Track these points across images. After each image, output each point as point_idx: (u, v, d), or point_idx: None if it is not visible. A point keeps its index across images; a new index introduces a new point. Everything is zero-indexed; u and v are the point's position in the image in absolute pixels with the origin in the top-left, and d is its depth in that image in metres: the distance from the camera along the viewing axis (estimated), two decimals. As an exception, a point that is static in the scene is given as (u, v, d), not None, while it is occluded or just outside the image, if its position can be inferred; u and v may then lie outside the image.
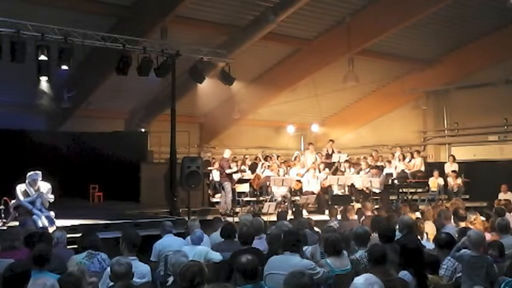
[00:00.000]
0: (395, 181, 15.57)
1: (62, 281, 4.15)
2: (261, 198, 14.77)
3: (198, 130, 19.98)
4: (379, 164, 16.27)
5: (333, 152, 16.59)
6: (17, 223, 9.13)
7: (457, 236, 6.61)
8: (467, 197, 15.08)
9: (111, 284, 4.81)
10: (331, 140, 17.32)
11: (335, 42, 15.51)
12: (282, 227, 7.08)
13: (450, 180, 15.61)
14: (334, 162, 16.10)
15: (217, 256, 6.57)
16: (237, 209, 13.93)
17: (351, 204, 12.92)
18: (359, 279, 3.50)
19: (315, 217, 12.82)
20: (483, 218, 8.96)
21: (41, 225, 8.89)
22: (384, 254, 4.92)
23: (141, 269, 5.46)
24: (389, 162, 16.42)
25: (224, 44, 14.71)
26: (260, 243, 6.81)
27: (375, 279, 3.50)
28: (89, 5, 12.83)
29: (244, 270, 4.42)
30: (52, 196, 9.48)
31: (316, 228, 8.72)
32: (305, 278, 3.87)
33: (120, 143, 15.99)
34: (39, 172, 9.38)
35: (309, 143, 17.67)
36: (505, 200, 11.90)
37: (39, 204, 9.22)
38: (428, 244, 6.74)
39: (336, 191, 14.87)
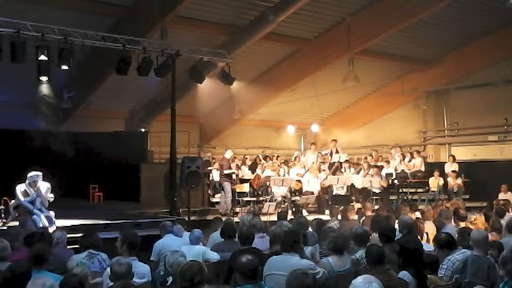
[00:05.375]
0: (395, 181, 15.57)
1: (64, 281, 4.14)
2: (261, 198, 14.77)
3: (198, 130, 19.96)
4: (379, 164, 16.28)
5: (336, 151, 16.58)
6: (17, 223, 9.13)
7: (457, 236, 6.61)
8: (467, 197, 15.06)
9: (111, 284, 4.82)
10: (334, 140, 17.24)
11: (335, 42, 15.52)
12: (282, 227, 7.07)
13: (450, 180, 15.60)
14: (334, 162, 16.10)
15: (214, 256, 6.58)
16: (237, 209, 13.95)
17: (351, 204, 12.92)
18: (358, 279, 3.53)
19: (315, 217, 12.83)
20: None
21: (41, 225, 8.90)
22: (382, 254, 4.93)
23: (141, 269, 5.47)
24: (388, 162, 16.43)
25: (224, 44, 14.71)
26: (262, 242, 6.81)
27: (373, 278, 3.53)
28: (89, 5, 12.84)
29: (244, 270, 4.41)
30: (52, 195, 9.47)
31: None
32: (308, 279, 3.86)
33: (120, 143, 15.98)
34: (40, 173, 9.36)
35: (311, 143, 17.65)
36: (504, 200, 11.88)
37: (38, 204, 9.22)
38: (427, 246, 6.73)
39: (336, 191, 14.87)
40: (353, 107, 20.97)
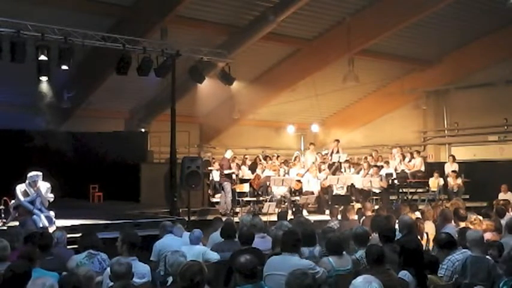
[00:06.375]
0: (396, 181, 15.57)
1: (64, 280, 4.14)
2: (261, 198, 14.77)
3: (198, 130, 19.95)
4: (379, 164, 16.28)
5: (337, 151, 16.57)
6: (17, 223, 9.14)
7: (457, 236, 6.61)
8: (467, 197, 15.08)
9: (111, 284, 4.81)
10: (336, 140, 17.22)
11: (335, 42, 15.51)
12: (282, 227, 7.07)
13: (450, 180, 15.61)
14: (334, 162, 16.10)
15: (214, 256, 6.58)
16: (237, 209, 13.95)
17: (351, 204, 12.92)
18: (358, 279, 3.55)
19: (315, 217, 12.86)
20: (481, 218, 8.95)
21: (41, 225, 8.89)
22: (382, 254, 4.93)
23: (141, 269, 5.47)
24: (388, 162, 16.43)
25: (224, 44, 14.71)
26: (262, 242, 6.81)
27: (373, 278, 3.55)
28: (89, 5, 12.83)
29: (244, 270, 4.41)
30: (52, 195, 9.47)
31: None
32: (308, 278, 3.87)
33: (120, 143, 15.99)
34: (40, 173, 9.36)
35: (310, 143, 17.66)
36: (504, 200, 11.88)
37: (38, 204, 9.21)
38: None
39: (336, 191, 14.87)
40: (353, 107, 20.97)
